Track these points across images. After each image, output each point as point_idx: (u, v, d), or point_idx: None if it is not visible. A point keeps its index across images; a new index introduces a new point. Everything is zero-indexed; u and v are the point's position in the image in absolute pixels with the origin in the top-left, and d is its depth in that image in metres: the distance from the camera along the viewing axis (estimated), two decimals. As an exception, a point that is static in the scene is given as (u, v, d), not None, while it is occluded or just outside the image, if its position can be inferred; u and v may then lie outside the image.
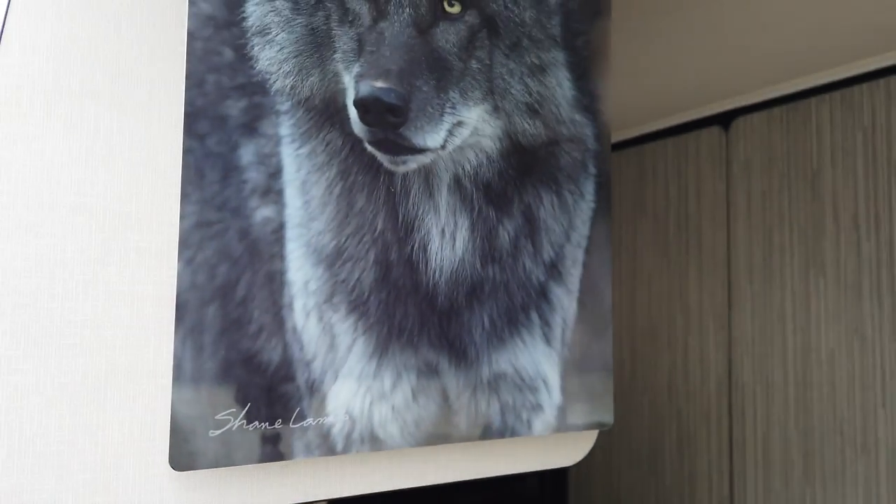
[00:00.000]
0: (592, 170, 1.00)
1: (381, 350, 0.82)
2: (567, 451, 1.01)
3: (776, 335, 2.32)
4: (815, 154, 2.27)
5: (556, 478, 2.92)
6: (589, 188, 0.99)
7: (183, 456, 0.70)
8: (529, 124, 0.93)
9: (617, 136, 2.84)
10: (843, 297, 2.14)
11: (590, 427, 0.99)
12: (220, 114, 0.74)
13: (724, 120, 2.56)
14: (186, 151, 0.72)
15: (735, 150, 2.52)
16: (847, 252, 2.16)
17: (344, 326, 0.80)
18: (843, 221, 2.18)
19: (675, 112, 2.69)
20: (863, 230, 2.13)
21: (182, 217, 0.72)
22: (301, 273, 0.78)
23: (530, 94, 0.93)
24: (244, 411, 0.73)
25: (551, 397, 0.95)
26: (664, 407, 2.67)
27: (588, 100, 0.99)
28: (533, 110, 0.93)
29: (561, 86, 0.96)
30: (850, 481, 2.05)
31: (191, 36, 0.73)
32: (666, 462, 2.64)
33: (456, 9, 0.87)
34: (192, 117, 0.72)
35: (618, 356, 2.77)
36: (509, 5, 0.91)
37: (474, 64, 0.89)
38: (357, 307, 0.81)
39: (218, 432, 0.72)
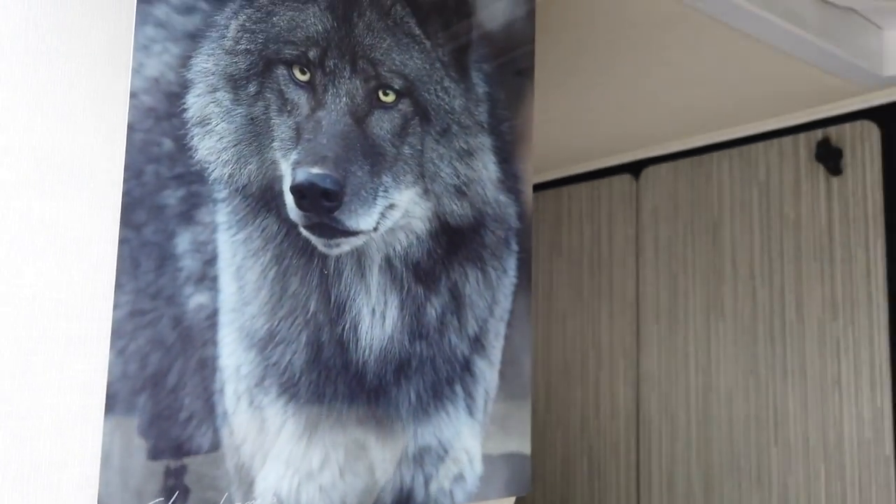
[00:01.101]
0: (515, 247, 1.05)
1: (311, 430, 0.84)
2: (487, 517, 1.05)
3: (680, 374, 2.45)
4: (716, 205, 2.43)
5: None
6: (511, 264, 1.05)
7: (108, 549, 0.70)
8: (457, 205, 0.98)
9: (537, 178, 2.94)
10: (740, 340, 2.30)
11: (509, 494, 1.03)
12: (158, 203, 0.75)
13: (635, 169, 2.70)
14: (122, 241, 0.73)
15: (644, 197, 2.66)
16: (744, 298, 2.32)
17: (274, 409, 0.82)
18: (741, 269, 2.34)
19: (591, 159, 2.82)
20: (758, 279, 2.30)
21: (115, 307, 0.72)
22: (233, 358, 0.79)
23: (458, 177, 0.98)
24: (171, 500, 0.74)
25: (473, 467, 0.99)
26: (576, 441, 2.77)
27: (511, 181, 1.05)
28: (461, 192, 0.98)
29: (487, 168, 1.01)
30: (745, 515, 2.19)
31: (130, 128, 0.73)
32: (577, 494, 2.74)
33: (390, 98, 0.91)
34: (129, 207, 0.73)
35: (533, 392, 2.85)
36: (440, 94, 0.96)
37: (406, 149, 0.93)
38: (287, 389, 0.83)
39: (145, 523, 0.72)
